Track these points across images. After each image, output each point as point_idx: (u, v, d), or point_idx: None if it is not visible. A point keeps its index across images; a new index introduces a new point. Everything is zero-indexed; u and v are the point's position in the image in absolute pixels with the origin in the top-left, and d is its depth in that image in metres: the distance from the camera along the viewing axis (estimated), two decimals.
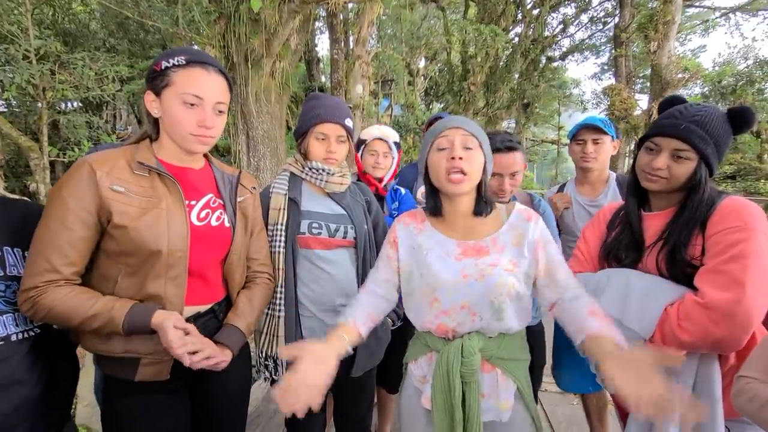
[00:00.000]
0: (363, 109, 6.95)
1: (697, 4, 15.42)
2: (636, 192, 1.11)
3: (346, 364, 1.32)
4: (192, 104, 0.94)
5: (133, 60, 6.16)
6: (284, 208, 1.27)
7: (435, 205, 1.05)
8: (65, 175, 0.88)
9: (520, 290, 0.97)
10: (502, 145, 1.43)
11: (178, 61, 0.92)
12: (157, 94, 0.95)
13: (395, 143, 1.82)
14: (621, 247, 1.09)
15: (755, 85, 9.19)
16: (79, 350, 1.05)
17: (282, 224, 1.26)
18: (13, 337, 0.86)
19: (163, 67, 0.93)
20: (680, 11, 7.25)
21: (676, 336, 0.89)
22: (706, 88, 11.76)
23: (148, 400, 0.97)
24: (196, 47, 1.01)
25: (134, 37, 7.69)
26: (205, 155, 1.11)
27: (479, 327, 0.98)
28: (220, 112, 0.99)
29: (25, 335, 0.88)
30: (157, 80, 0.94)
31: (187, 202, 0.97)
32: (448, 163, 0.97)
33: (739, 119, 0.99)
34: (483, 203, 1.03)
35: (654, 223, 1.06)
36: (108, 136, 4.67)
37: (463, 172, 0.96)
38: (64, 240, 0.84)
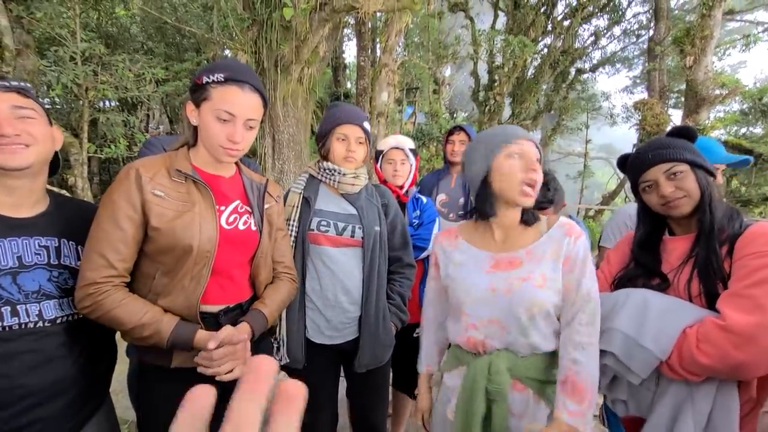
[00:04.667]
0: (387, 117, 6.99)
1: (738, 18, 14.85)
2: (652, 222, 1.11)
3: (351, 360, 1.40)
4: (225, 120, 1.01)
5: (168, 63, 6.42)
6: (297, 206, 1.37)
7: (487, 211, 1.03)
8: (116, 180, 0.97)
9: (550, 307, 0.95)
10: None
11: (217, 78, 1.00)
12: (197, 105, 1.03)
13: (411, 150, 1.87)
14: (638, 277, 1.07)
15: None
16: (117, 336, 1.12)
17: (294, 220, 1.36)
18: (58, 321, 0.93)
19: (203, 82, 1.01)
20: (719, 26, 7.00)
21: (694, 358, 0.86)
22: (745, 105, 11.24)
23: (182, 387, 1.00)
24: (232, 58, 1.05)
25: (171, 41, 8.02)
26: (236, 163, 1.19)
27: (508, 343, 0.98)
28: (251, 127, 1.06)
29: (69, 319, 0.95)
30: (197, 93, 1.02)
31: (217, 207, 1.05)
32: (525, 175, 0.97)
33: (684, 134, 1.06)
34: (531, 213, 1.04)
35: (678, 246, 1.04)
36: (142, 135, 4.88)
37: (534, 186, 0.99)
38: (117, 238, 0.94)
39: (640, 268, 1.08)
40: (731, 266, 0.92)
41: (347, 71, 12.40)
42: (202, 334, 0.98)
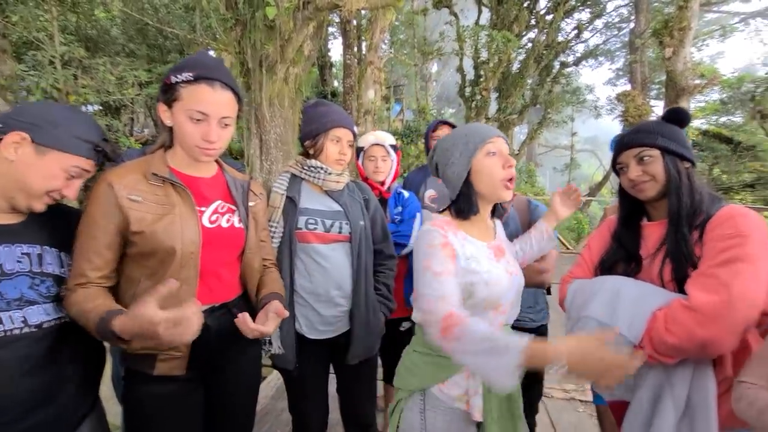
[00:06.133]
0: (374, 114, 7.01)
1: (715, 9, 15.15)
2: (630, 207, 1.15)
3: (342, 353, 1.42)
4: (198, 119, 0.99)
5: (152, 65, 6.33)
6: (280, 206, 1.38)
7: (471, 209, 1.08)
8: (90, 194, 0.98)
9: None
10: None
11: (185, 77, 0.98)
12: (169, 106, 1.01)
13: (392, 146, 1.89)
14: (619, 261, 1.11)
15: None
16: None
17: (276, 221, 1.36)
18: (45, 325, 0.93)
19: (172, 82, 0.99)
20: (696, 17, 7.15)
21: (663, 339, 0.89)
22: (725, 95, 11.51)
23: (166, 389, 1.05)
24: (210, 54, 1.04)
25: (153, 43, 7.90)
26: (217, 161, 1.18)
27: (511, 319, 1.11)
28: (226, 125, 1.04)
29: (55, 323, 0.95)
30: (167, 93, 1.00)
31: (198, 208, 1.05)
32: (505, 171, 1.04)
33: (675, 118, 1.09)
34: (500, 206, 1.16)
35: (654, 232, 1.08)
36: (126, 139, 4.81)
37: (513, 180, 1.06)
38: (90, 249, 0.95)
39: (622, 250, 1.11)
40: (702, 249, 0.95)
41: (334, 70, 12.37)
42: (119, 321, 0.85)
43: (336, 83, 11.75)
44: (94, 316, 0.89)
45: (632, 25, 12.09)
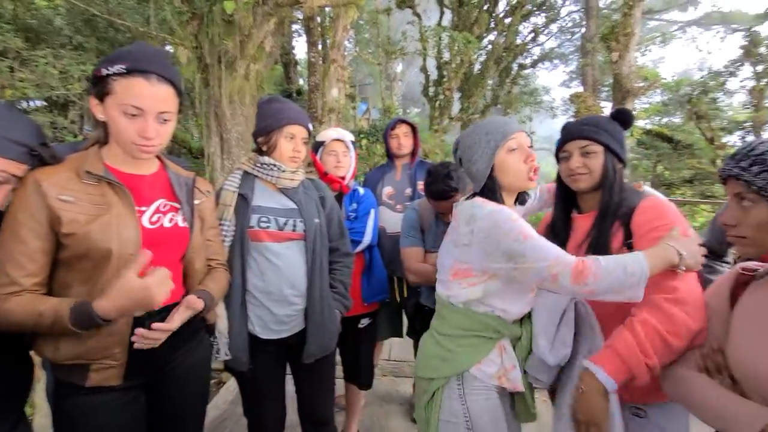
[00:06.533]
0: (339, 113, 6.99)
1: (656, 17, 16.27)
2: (565, 197, 1.23)
3: (298, 352, 1.41)
4: (133, 114, 0.93)
5: (101, 58, 5.95)
6: (231, 204, 1.35)
7: (496, 201, 1.11)
8: (14, 194, 0.90)
9: None
10: (444, 194, 1.53)
11: (118, 69, 0.91)
12: (100, 99, 0.95)
13: (351, 142, 1.91)
14: None
15: (708, 95, 9.80)
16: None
17: (228, 219, 1.34)
18: None
19: (103, 74, 0.92)
20: (639, 24, 7.69)
21: (670, 347, 0.90)
22: (666, 97, 12.45)
23: (100, 398, 0.99)
24: (138, 44, 0.96)
25: (103, 35, 7.42)
26: (159, 157, 1.12)
27: None
28: (165, 120, 0.99)
29: None
30: (98, 86, 0.94)
31: (137, 207, 0.99)
32: (528, 165, 1.09)
33: (621, 118, 1.17)
34: (525, 193, 1.20)
35: (583, 224, 1.17)
36: (75, 137, 4.52)
37: (536, 171, 1.10)
38: (20, 253, 0.88)
39: (557, 241, 1.20)
40: (625, 236, 1.05)
41: (299, 68, 12.18)
42: (104, 302, 0.86)
43: (301, 81, 11.58)
44: (60, 310, 0.85)
45: (584, 30, 12.77)
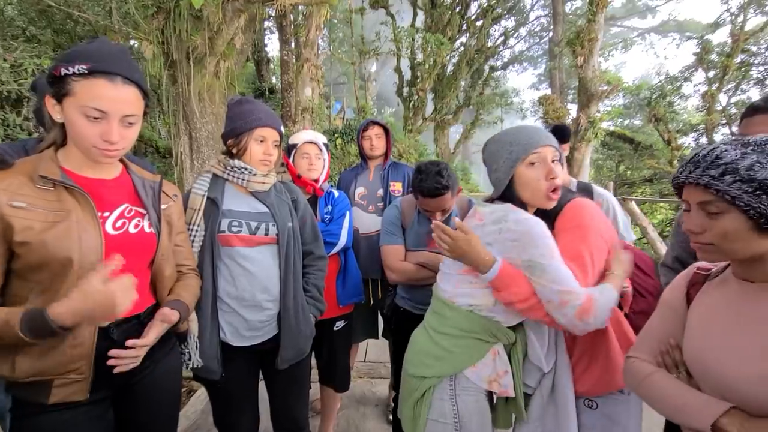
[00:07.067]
0: (313, 112, 6.92)
1: (618, 24, 17.07)
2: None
3: (271, 358, 1.38)
4: (96, 117, 0.88)
5: (58, 52, 5.62)
6: (200, 209, 1.30)
7: None
8: None
9: None
10: (436, 191, 1.52)
11: (78, 69, 0.85)
12: (58, 100, 0.88)
13: (324, 144, 1.88)
14: None
15: (666, 98, 10.37)
16: None
17: (196, 224, 1.29)
18: None
19: (62, 74, 0.85)
20: (602, 30, 8.04)
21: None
22: (627, 100, 13.08)
23: (66, 415, 0.92)
24: (100, 42, 0.89)
25: (60, 28, 7.02)
26: (122, 160, 1.06)
27: None
28: (130, 123, 0.94)
29: None
30: (57, 86, 0.87)
31: (99, 213, 0.94)
32: (548, 182, 1.04)
33: (558, 133, 1.26)
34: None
35: None
36: (29, 136, 4.25)
37: (557, 190, 1.06)
38: None
39: None
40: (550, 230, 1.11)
41: (271, 65, 11.96)
42: (59, 307, 0.80)
43: (274, 80, 11.37)
44: (11, 318, 0.79)
45: (551, 34, 13.23)
